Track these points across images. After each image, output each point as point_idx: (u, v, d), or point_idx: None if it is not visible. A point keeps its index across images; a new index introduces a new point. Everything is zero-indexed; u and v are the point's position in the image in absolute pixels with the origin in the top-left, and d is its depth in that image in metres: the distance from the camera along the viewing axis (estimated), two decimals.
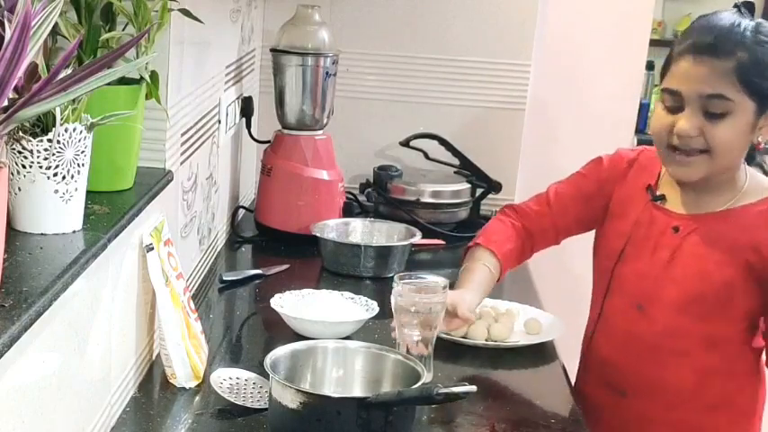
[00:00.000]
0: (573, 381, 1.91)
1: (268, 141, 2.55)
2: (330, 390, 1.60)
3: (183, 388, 1.66)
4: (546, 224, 2.00)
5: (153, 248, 1.60)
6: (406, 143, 2.72)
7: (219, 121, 2.24)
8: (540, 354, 1.94)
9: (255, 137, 2.57)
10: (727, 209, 1.75)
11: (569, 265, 2.98)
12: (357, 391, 1.60)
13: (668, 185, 1.82)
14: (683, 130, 1.67)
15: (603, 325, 1.87)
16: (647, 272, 1.80)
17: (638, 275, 1.81)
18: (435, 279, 1.78)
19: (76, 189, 1.34)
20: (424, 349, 1.72)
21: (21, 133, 1.28)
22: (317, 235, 2.32)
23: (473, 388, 1.43)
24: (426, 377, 1.61)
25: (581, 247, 2.99)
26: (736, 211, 1.75)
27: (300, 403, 1.44)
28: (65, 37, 1.46)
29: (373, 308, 1.95)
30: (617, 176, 1.90)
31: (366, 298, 1.98)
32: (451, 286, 1.80)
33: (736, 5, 1.71)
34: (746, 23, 1.67)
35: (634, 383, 1.81)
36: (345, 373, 1.62)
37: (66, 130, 1.30)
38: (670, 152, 1.71)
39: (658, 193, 1.83)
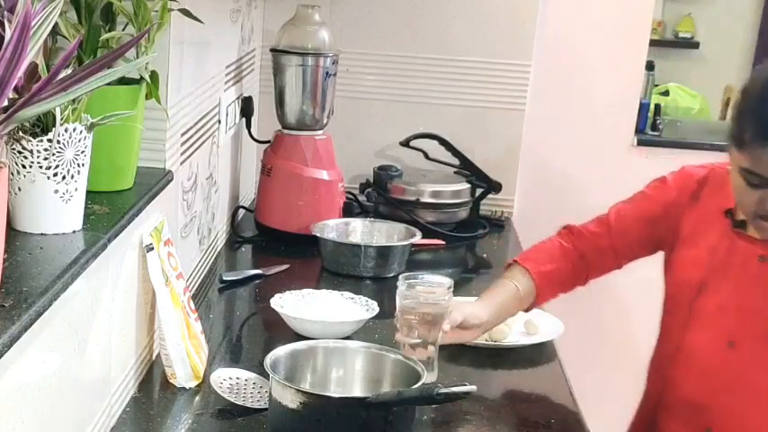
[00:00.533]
0: (635, 407, 1.86)
1: (268, 141, 2.55)
2: (330, 390, 1.60)
3: (183, 388, 1.66)
4: (603, 245, 1.88)
5: (153, 248, 1.60)
6: (406, 143, 2.73)
7: (219, 121, 2.24)
8: (540, 354, 1.94)
9: (255, 137, 2.57)
10: None
11: None
12: (357, 391, 1.60)
13: None
14: None
15: (686, 361, 1.74)
16: (733, 305, 1.69)
17: (722, 309, 1.70)
18: (440, 279, 1.77)
19: (76, 189, 1.34)
20: (429, 350, 1.71)
21: (21, 133, 1.28)
22: (317, 235, 2.32)
23: (473, 388, 1.43)
24: (430, 377, 1.61)
25: None
26: None
27: (300, 403, 1.44)
28: (65, 37, 1.46)
29: (373, 308, 1.95)
30: (687, 198, 1.79)
31: (366, 298, 1.98)
32: (456, 287, 1.79)
33: None
34: None
35: (722, 420, 1.71)
36: (345, 373, 1.62)
37: (66, 130, 1.30)
38: (760, 221, 1.62)
39: (738, 218, 1.70)
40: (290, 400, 1.45)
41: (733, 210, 1.71)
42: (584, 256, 1.89)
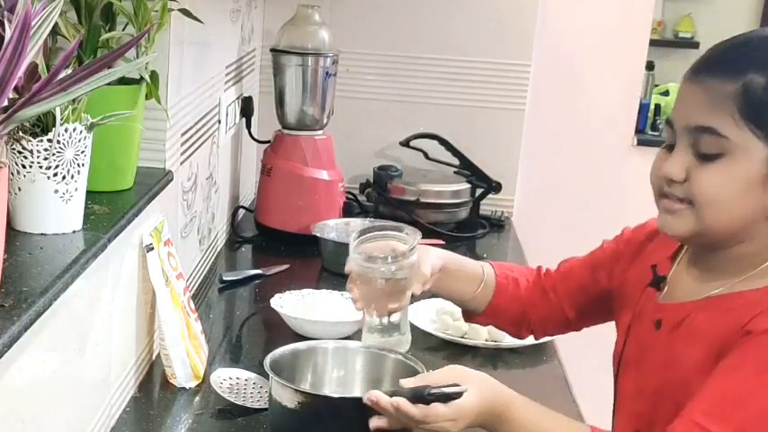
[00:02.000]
0: None
1: (268, 141, 2.56)
2: (330, 390, 1.60)
3: (183, 388, 1.66)
4: (546, 284, 1.63)
5: (153, 248, 1.60)
6: (406, 143, 2.73)
7: (219, 121, 2.24)
8: (540, 354, 1.94)
9: (255, 137, 2.57)
10: (719, 294, 1.28)
11: None
12: (357, 391, 1.60)
13: (684, 263, 1.38)
14: (667, 172, 1.25)
15: None
16: (641, 384, 1.37)
17: (636, 390, 1.39)
18: (401, 233, 1.51)
19: (76, 189, 1.34)
20: (397, 318, 1.53)
21: (21, 133, 1.28)
22: (317, 235, 2.32)
23: (464, 388, 1.41)
24: (405, 345, 1.52)
25: (580, 246, 2.99)
26: (732, 295, 1.27)
27: (299, 403, 1.43)
28: (65, 37, 1.46)
29: None
30: (632, 251, 1.50)
31: None
32: None
33: None
34: None
35: None
36: (346, 374, 1.61)
37: (66, 130, 1.30)
38: (660, 200, 1.30)
39: (669, 272, 1.39)
40: (289, 399, 1.44)
41: (660, 264, 1.40)
42: (531, 292, 1.64)
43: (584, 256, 1.62)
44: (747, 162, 1.20)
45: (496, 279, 1.63)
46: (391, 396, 1.41)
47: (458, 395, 1.33)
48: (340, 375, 1.61)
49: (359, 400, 1.46)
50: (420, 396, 1.35)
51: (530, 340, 1.94)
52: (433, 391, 1.35)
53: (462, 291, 1.63)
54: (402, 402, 1.31)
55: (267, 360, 1.52)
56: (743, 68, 1.20)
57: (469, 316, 1.69)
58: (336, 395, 1.56)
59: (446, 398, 1.34)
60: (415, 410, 1.31)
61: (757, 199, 1.22)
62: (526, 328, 1.67)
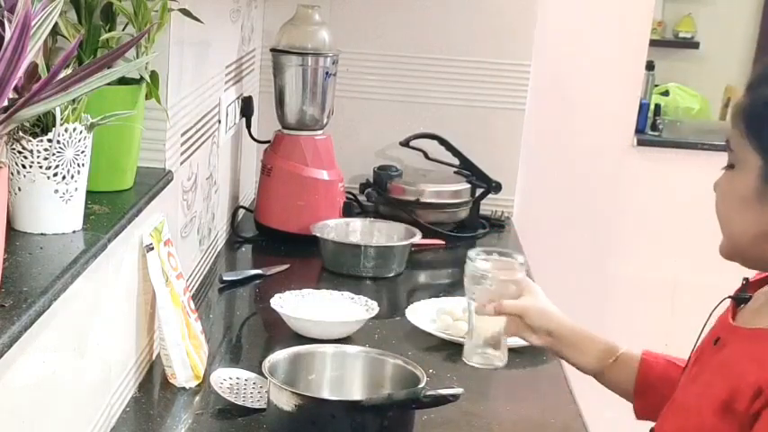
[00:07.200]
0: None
1: (268, 141, 2.56)
2: (328, 394, 1.59)
3: (183, 388, 1.66)
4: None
5: (153, 248, 1.61)
6: (406, 143, 2.73)
7: (219, 121, 2.24)
8: (540, 354, 1.93)
9: (255, 137, 2.57)
10: (765, 327, 1.20)
11: (571, 265, 2.98)
12: (356, 395, 1.59)
13: None
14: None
15: None
16: (683, 401, 1.29)
17: (675, 402, 1.32)
18: (509, 258, 1.62)
19: (76, 189, 1.34)
20: (501, 335, 1.60)
21: (21, 133, 1.28)
22: (317, 235, 2.33)
23: (460, 390, 1.39)
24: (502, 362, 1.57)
25: (581, 245, 2.99)
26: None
27: (295, 406, 1.43)
28: (65, 37, 1.46)
29: (373, 308, 1.94)
30: None
31: (366, 298, 1.98)
32: (455, 288, 1.77)
33: None
34: None
35: None
36: (345, 378, 1.61)
37: (66, 130, 1.30)
38: None
39: (756, 292, 1.29)
40: (286, 402, 1.44)
41: (751, 281, 1.31)
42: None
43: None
44: (744, 175, 1.18)
45: (642, 356, 1.49)
46: (387, 398, 1.38)
47: (455, 397, 1.31)
48: (340, 380, 1.61)
49: (352, 403, 1.46)
50: (416, 398, 1.33)
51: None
52: (430, 393, 1.33)
53: (586, 354, 1.54)
54: None
55: (266, 363, 1.52)
56: (758, 82, 1.20)
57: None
58: (333, 398, 1.56)
59: (443, 400, 1.31)
60: None
61: (756, 214, 1.18)
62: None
